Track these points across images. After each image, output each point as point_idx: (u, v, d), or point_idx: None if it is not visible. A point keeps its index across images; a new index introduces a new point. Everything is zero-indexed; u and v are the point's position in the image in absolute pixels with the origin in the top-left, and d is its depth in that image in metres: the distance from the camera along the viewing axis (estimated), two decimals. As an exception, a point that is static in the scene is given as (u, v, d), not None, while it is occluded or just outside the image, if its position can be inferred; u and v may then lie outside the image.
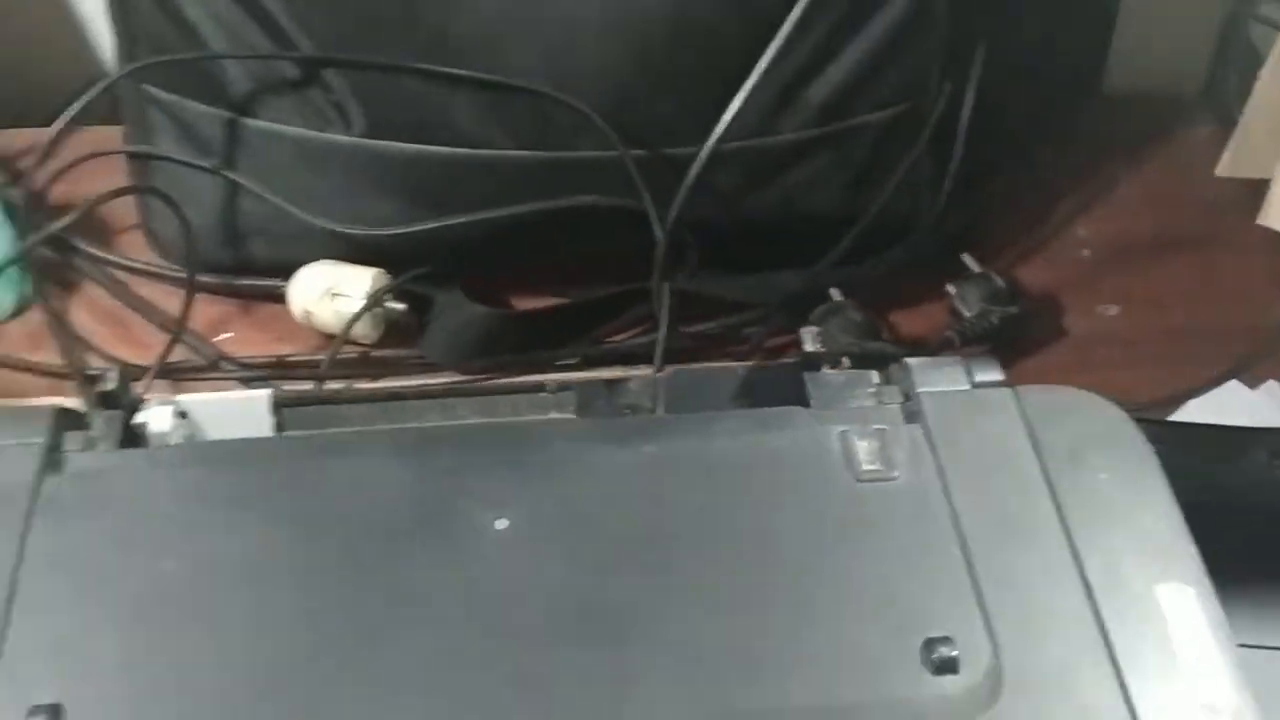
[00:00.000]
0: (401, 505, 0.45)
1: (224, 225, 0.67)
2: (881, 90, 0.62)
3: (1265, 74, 0.65)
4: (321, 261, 0.66)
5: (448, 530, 0.45)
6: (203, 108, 0.65)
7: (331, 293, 0.65)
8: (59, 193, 0.71)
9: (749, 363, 0.53)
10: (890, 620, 0.42)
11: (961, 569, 0.43)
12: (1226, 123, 0.70)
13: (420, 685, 0.41)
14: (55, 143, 0.69)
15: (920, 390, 0.49)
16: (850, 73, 0.61)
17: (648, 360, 0.62)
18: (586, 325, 0.66)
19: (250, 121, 0.64)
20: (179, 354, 0.65)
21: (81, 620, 0.42)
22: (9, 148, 0.75)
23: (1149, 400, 0.63)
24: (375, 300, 0.64)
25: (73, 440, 0.47)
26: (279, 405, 0.51)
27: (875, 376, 0.51)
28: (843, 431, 0.47)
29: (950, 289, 0.66)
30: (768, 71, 0.58)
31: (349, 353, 0.66)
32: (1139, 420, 0.49)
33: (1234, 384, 0.64)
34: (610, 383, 0.52)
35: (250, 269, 0.68)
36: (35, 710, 0.39)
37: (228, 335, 0.67)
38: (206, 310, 0.67)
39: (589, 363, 0.64)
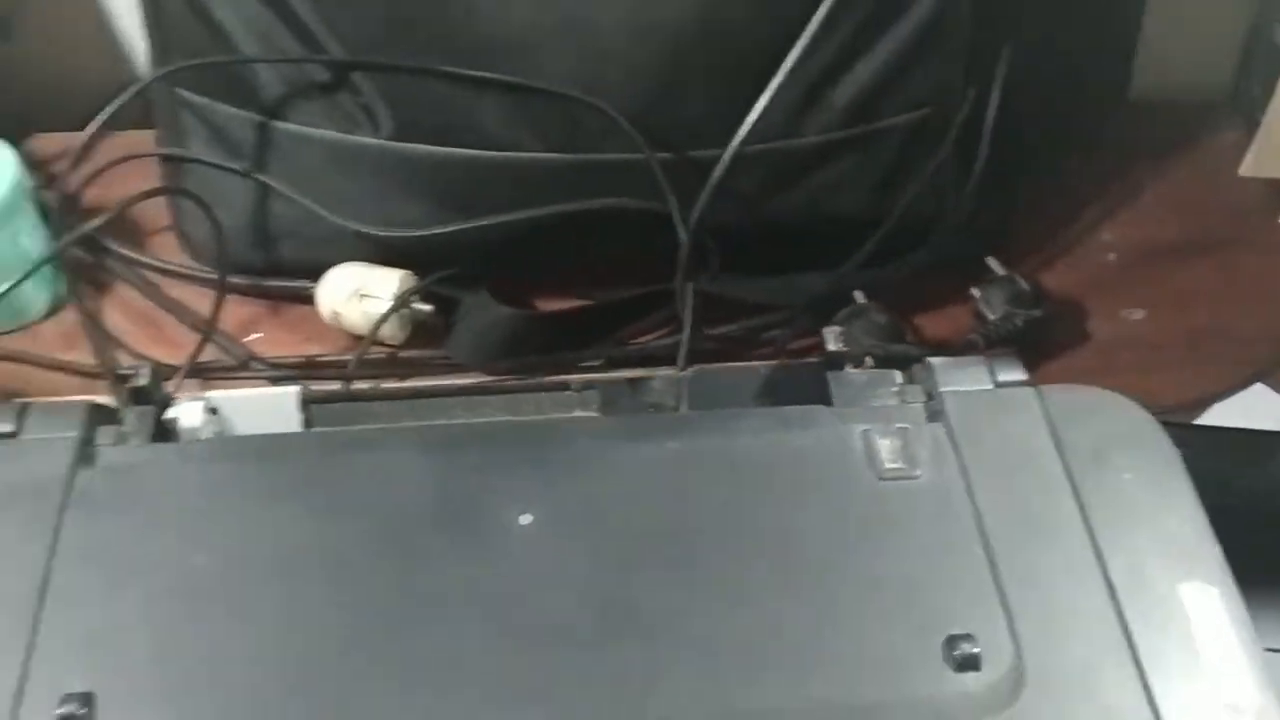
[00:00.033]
0: (428, 500, 0.46)
1: (254, 227, 0.68)
2: (906, 93, 0.62)
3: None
4: (350, 263, 0.67)
5: (473, 525, 0.45)
6: (234, 111, 0.65)
7: (359, 294, 0.66)
8: (92, 196, 0.72)
9: (772, 362, 0.53)
10: (912, 618, 0.43)
11: (984, 567, 0.44)
12: (1252, 128, 0.70)
13: (444, 678, 0.41)
14: (88, 146, 0.70)
15: (943, 389, 0.49)
16: (875, 75, 0.61)
17: (671, 362, 0.62)
18: (611, 327, 0.66)
19: (280, 124, 0.65)
20: (209, 354, 0.66)
21: (113, 610, 0.43)
22: (43, 151, 0.76)
23: (1174, 403, 0.62)
24: (402, 301, 0.65)
25: (105, 435, 0.48)
26: (307, 402, 0.52)
27: (898, 376, 0.51)
28: (865, 430, 0.48)
29: (975, 292, 0.66)
30: (792, 74, 0.59)
31: (376, 353, 0.66)
32: (1164, 424, 0.49)
33: (1259, 387, 0.64)
34: (634, 381, 0.53)
35: (280, 270, 0.69)
36: (68, 698, 0.40)
37: (257, 336, 0.68)
38: (237, 311, 0.68)
39: (613, 364, 0.64)
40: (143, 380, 0.50)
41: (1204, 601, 0.43)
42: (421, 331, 0.67)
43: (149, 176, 0.70)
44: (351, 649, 0.42)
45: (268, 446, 0.49)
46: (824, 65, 0.60)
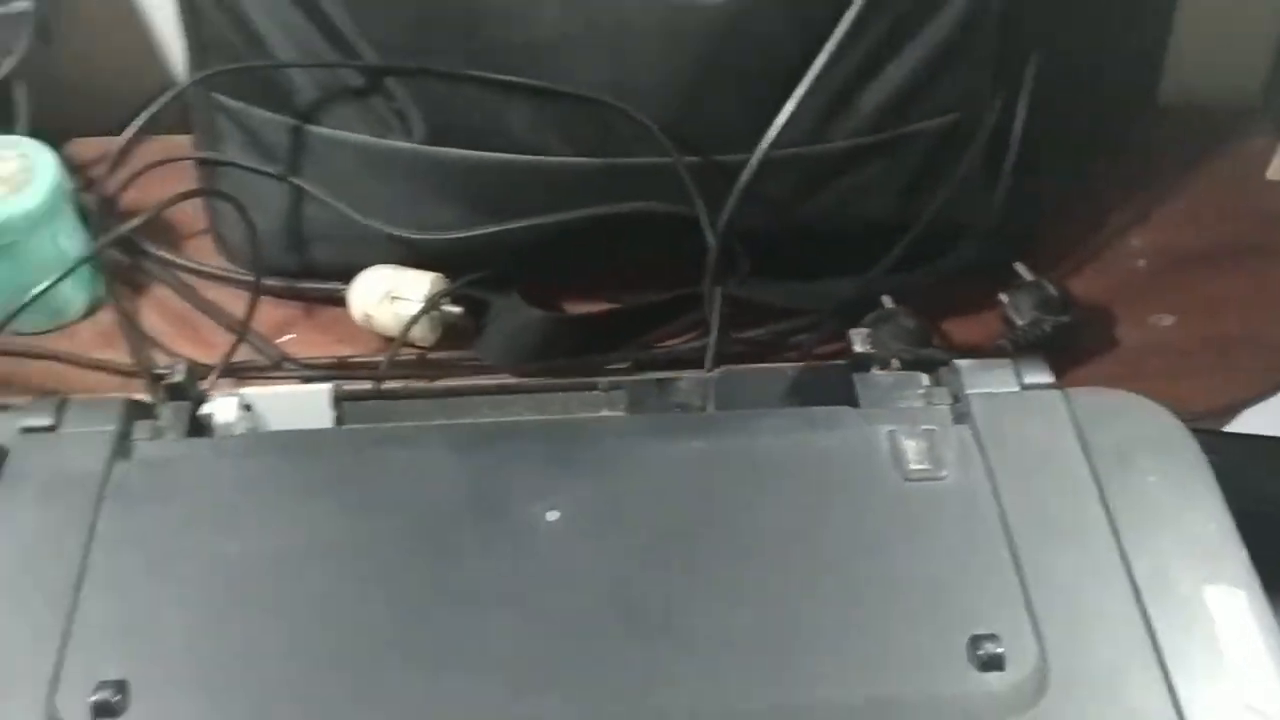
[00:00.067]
0: (456, 496, 0.47)
1: (288, 230, 0.69)
2: (935, 98, 0.62)
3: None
4: (381, 265, 0.68)
5: (500, 521, 0.46)
6: (269, 115, 0.67)
7: (391, 296, 0.66)
8: (130, 199, 0.73)
9: (798, 363, 0.53)
10: (937, 617, 0.43)
11: (1009, 568, 0.44)
12: (1283, 133, 0.70)
13: (470, 669, 0.42)
14: (126, 150, 0.71)
15: (969, 391, 0.49)
16: (904, 80, 0.61)
17: (698, 366, 0.62)
18: (639, 330, 0.67)
19: (315, 129, 0.66)
20: (243, 354, 0.67)
21: (148, 600, 0.44)
22: (82, 155, 0.77)
23: (1203, 410, 0.62)
24: (432, 304, 0.66)
25: (142, 429, 0.49)
26: (339, 400, 0.52)
27: (924, 378, 0.51)
28: (891, 431, 0.48)
29: (1003, 297, 0.66)
30: (820, 79, 0.59)
31: (407, 354, 0.67)
32: (1193, 430, 0.49)
33: (1289, 394, 0.64)
34: (661, 382, 0.53)
35: (313, 273, 0.70)
36: (102, 685, 0.41)
37: (290, 337, 0.69)
38: (270, 312, 0.69)
39: (640, 367, 0.64)
40: (178, 377, 0.50)
41: (1229, 604, 0.43)
42: (451, 333, 0.68)
43: (186, 180, 0.71)
44: (380, 640, 0.42)
45: (300, 442, 0.50)
46: (852, 70, 0.61)
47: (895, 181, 0.65)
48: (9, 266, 0.66)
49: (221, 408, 0.50)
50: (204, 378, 0.59)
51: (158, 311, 0.71)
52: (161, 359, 0.67)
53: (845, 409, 0.50)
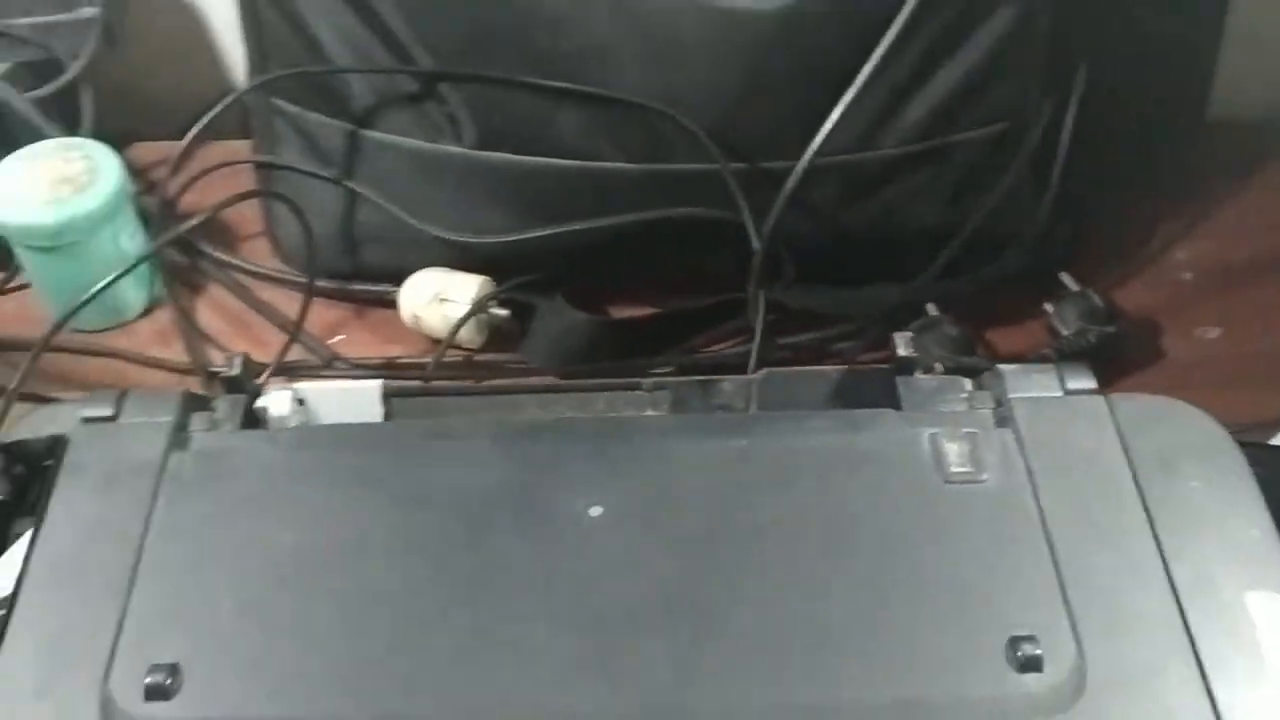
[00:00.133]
0: (501, 490, 0.47)
1: (342, 233, 0.70)
2: (983, 107, 0.63)
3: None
4: (431, 268, 0.69)
5: (544, 516, 0.46)
6: (326, 120, 0.68)
7: (439, 298, 0.68)
8: (189, 201, 0.75)
9: (842, 366, 0.54)
10: (976, 618, 0.43)
11: (1048, 570, 0.44)
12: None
13: (513, 660, 0.42)
14: (186, 154, 0.73)
15: (1012, 396, 0.49)
16: (951, 89, 0.62)
17: (741, 370, 0.63)
18: (683, 334, 0.67)
19: (369, 133, 0.67)
20: (295, 353, 0.68)
21: (201, 587, 0.45)
22: (144, 159, 0.79)
23: (1249, 422, 0.62)
24: (480, 306, 0.67)
25: (198, 421, 0.50)
26: (388, 396, 0.53)
27: (967, 383, 0.51)
28: (933, 434, 0.48)
29: (1048, 307, 0.67)
30: (869, 86, 0.59)
31: (454, 356, 0.68)
32: (1239, 443, 0.48)
33: (1338, 409, 0.63)
34: (704, 383, 0.53)
35: (364, 275, 0.71)
36: (156, 668, 0.42)
37: (340, 337, 0.71)
38: (323, 313, 0.71)
39: (684, 372, 0.65)
40: (235, 371, 0.52)
41: (1271, 610, 0.43)
42: (498, 336, 0.69)
43: (244, 184, 0.73)
44: (425, 629, 0.43)
45: (351, 435, 0.51)
46: (901, 78, 0.61)
47: (942, 190, 0.65)
48: (71, 265, 0.68)
49: (276, 401, 0.52)
50: (258, 375, 0.60)
51: (214, 311, 0.72)
52: (217, 357, 0.69)
53: (888, 411, 0.50)
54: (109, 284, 0.63)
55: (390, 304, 0.70)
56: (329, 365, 0.68)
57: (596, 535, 0.46)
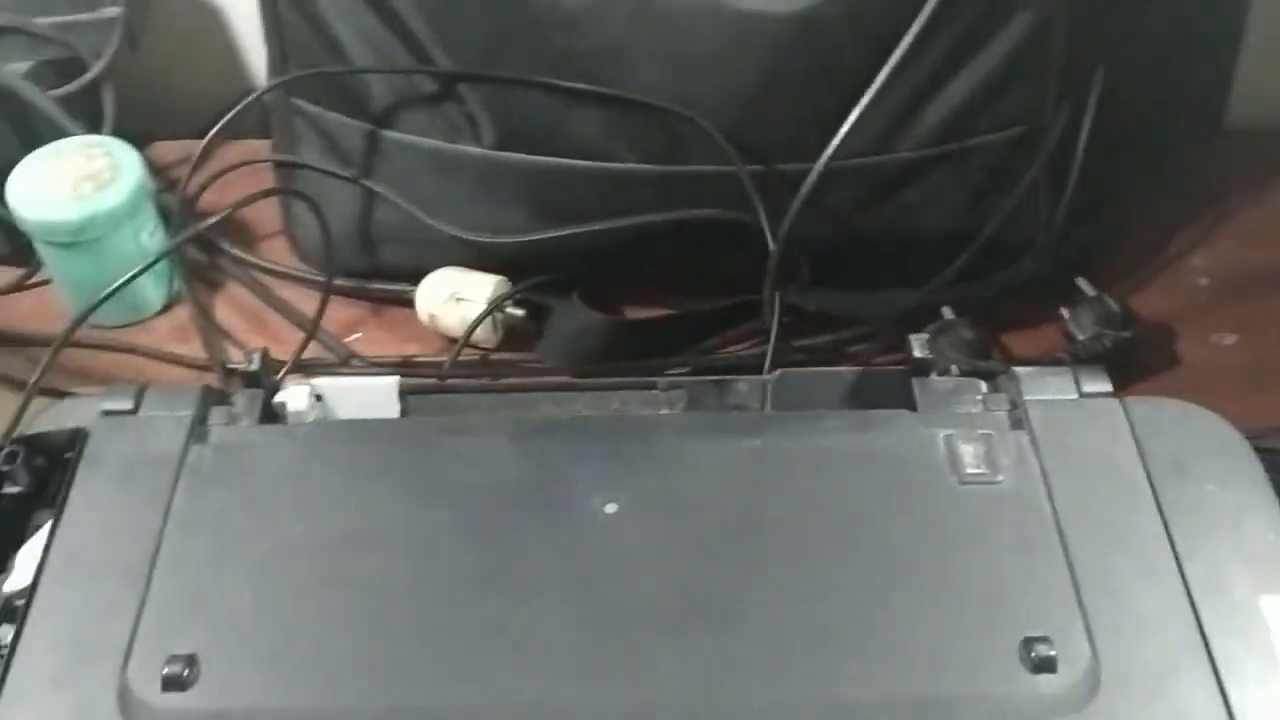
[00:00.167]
0: (518, 486, 0.48)
1: (360, 232, 0.71)
2: (1000, 111, 0.63)
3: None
4: (448, 268, 0.69)
5: (561, 511, 0.47)
6: (345, 120, 0.68)
7: (456, 297, 0.68)
8: (208, 200, 0.75)
9: (857, 367, 0.54)
10: (990, 618, 0.43)
11: (1062, 571, 0.44)
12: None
13: (528, 654, 0.43)
14: (206, 153, 0.73)
15: (1027, 398, 0.49)
16: (969, 93, 0.62)
17: (756, 372, 0.63)
18: (698, 335, 0.68)
19: (388, 133, 0.68)
20: (313, 351, 0.68)
21: (219, 579, 0.45)
22: (164, 157, 0.80)
23: (1264, 429, 0.61)
24: (495, 306, 0.67)
25: (217, 415, 0.51)
26: (405, 393, 0.54)
27: (983, 385, 0.51)
28: (948, 435, 0.48)
29: (1064, 312, 0.66)
30: (886, 90, 0.60)
31: (470, 355, 0.68)
32: (1256, 449, 0.49)
33: (1355, 416, 0.63)
34: (720, 383, 0.54)
35: (382, 274, 0.71)
36: (173, 659, 0.42)
37: (357, 336, 0.71)
38: (340, 312, 0.71)
39: (699, 373, 0.65)
40: (254, 366, 0.52)
41: (1286, 613, 0.43)
42: (513, 336, 0.69)
43: (264, 183, 0.73)
44: (441, 623, 0.44)
45: (368, 431, 0.51)
46: (918, 82, 0.61)
47: (958, 194, 0.65)
48: (92, 261, 0.69)
49: (294, 396, 0.52)
50: (276, 371, 0.60)
51: (232, 308, 0.73)
52: (234, 354, 0.69)
53: (903, 412, 0.50)
54: (129, 280, 0.64)
55: (407, 303, 0.70)
56: (346, 363, 0.69)
57: (612, 532, 0.46)
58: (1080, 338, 0.65)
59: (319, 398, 0.53)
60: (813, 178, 0.61)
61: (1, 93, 0.74)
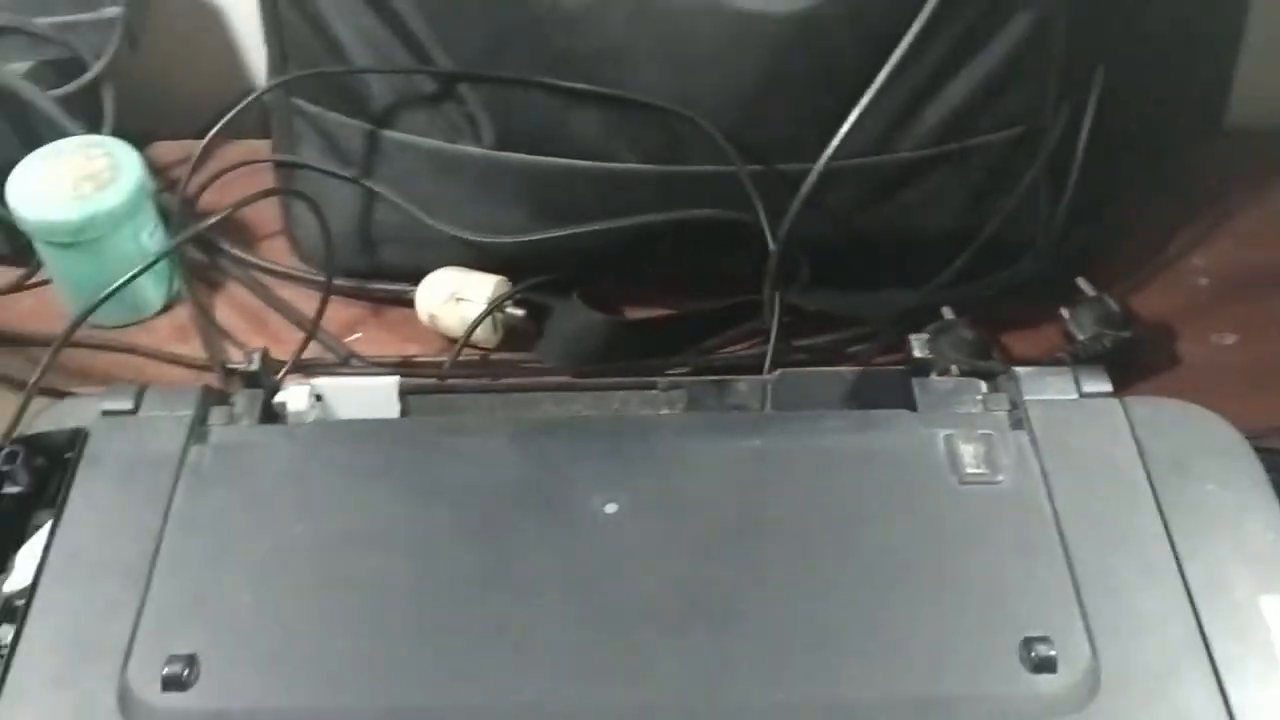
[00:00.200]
0: (518, 486, 0.48)
1: (360, 232, 0.71)
2: (1000, 111, 0.63)
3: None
4: (448, 267, 0.69)
5: (561, 511, 0.47)
6: (345, 120, 0.68)
7: (456, 297, 0.68)
8: (208, 200, 0.75)
9: (857, 367, 0.54)
10: (990, 618, 0.43)
11: (1062, 571, 0.44)
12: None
13: (528, 654, 0.43)
14: (206, 153, 0.73)
15: (1027, 398, 0.49)
16: (969, 93, 0.62)
17: (756, 372, 0.63)
18: (698, 335, 0.68)
19: (388, 133, 0.68)
20: (313, 351, 0.68)
21: (219, 579, 0.45)
22: (164, 157, 0.80)
23: (1264, 429, 0.61)
24: (495, 306, 0.67)
25: (217, 415, 0.51)
26: (405, 393, 0.54)
27: (982, 385, 0.51)
28: (948, 435, 0.48)
29: (1064, 312, 0.66)
30: (886, 90, 0.60)
31: (470, 355, 0.68)
32: (1255, 449, 0.49)
33: (1354, 416, 0.63)
34: (719, 383, 0.54)
35: (382, 274, 0.71)
36: (173, 659, 0.42)
37: (357, 336, 0.71)
38: (340, 312, 0.71)
39: (698, 373, 0.65)
40: (254, 366, 0.52)
41: (1286, 613, 0.43)
42: (513, 336, 0.69)
43: (264, 184, 0.73)
44: (441, 623, 0.44)
45: (368, 431, 0.51)
46: (918, 82, 0.61)
47: (958, 194, 0.65)
48: (92, 261, 0.69)
49: (294, 396, 0.52)
50: (277, 371, 0.60)
51: (232, 308, 0.73)
52: (234, 354, 0.69)
53: (903, 412, 0.50)
54: (129, 280, 0.64)
55: (407, 303, 0.70)
56: (346, 363, 0.69)
57: (612, 532, 0.46)
58: (1080, 338, 0.66)
59: (319, 398, 0.53)
60: (812, 178, 0.61)
61: (2, 92, 0.74)
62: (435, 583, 0.44)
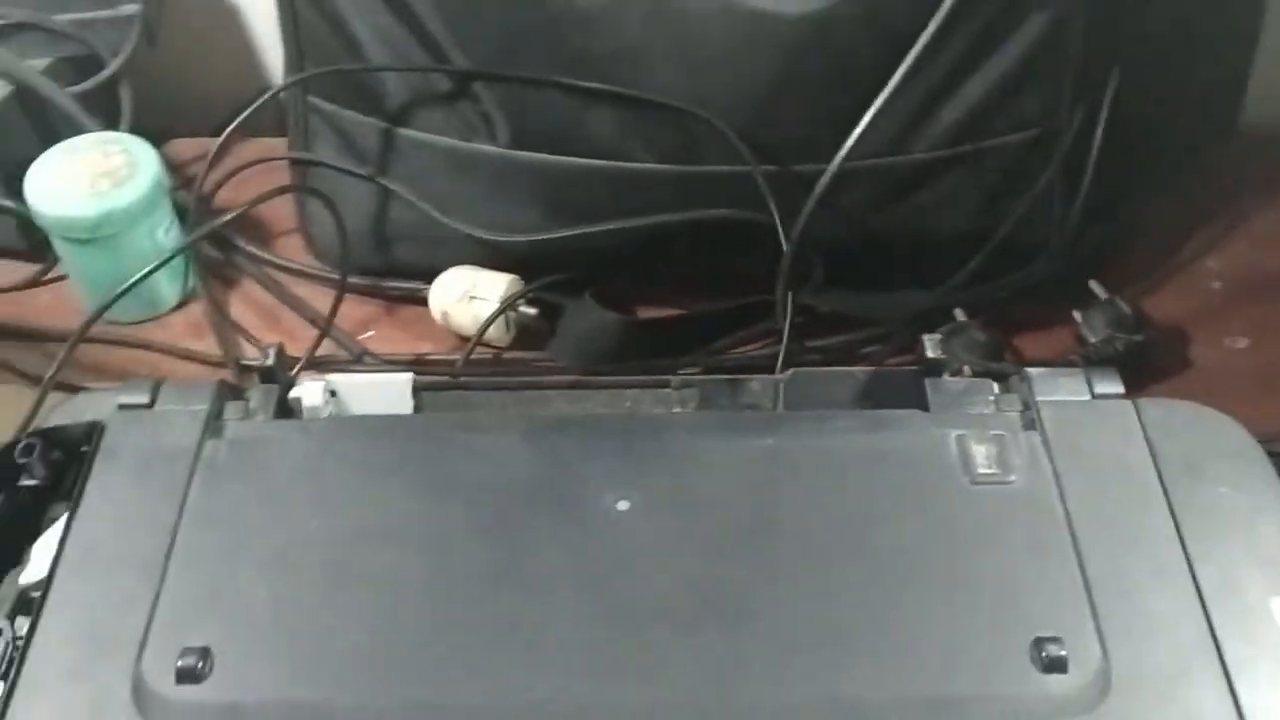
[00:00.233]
0: (530, 482, 0.48)
1: (374, 230, 0.71)
2: (1015, 113, 0.63)
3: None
4: (462, 266, 0.69)
5: (573, 508, 0.47)
6: (361, 118, 0.69)
7: (469, 296, 0.68)
8: (224, 197, 0.76)
9: (869, 367, 0.54)
10: (1001, 618, 0.43)
11: (1074, 571, 0.44)
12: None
13: (539, 651, 0.43)
14: (222, 150, 0.73)
15: (1040, 399, 0.49)
16: (984, 94, 0.62)
17: (769, 372, 0.63)
18: (711, 335, 0.68)
19: (404, 131, 0.68)
20: (326, 349, 0.68)
21: (233, 572, 0.46)
22: (181, 155, 0.80)
23: (1277, 433, 0.61)
24: (508, 304, 0.67)
25: (233, 410, 0.51)
26: (419, 389, 0.54)
27: (995, 386, 0.52)
28: (960, 435, 0.49)
29: (1076, 314, 0.66)
30: (901, 91, 0.60)
31: (483, 354, 0.68)
32: (1268, 453, 0.49)
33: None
34: (732, 382, 0.54)
35: (396, 272, 0.72)
36: (187, 651, 0.43)
37: (371, 333, 0.71)
38: (354, 309, 0.71)
39: (711, 373, 0.65)
40: (269, 361, 0.52)
41: (1298, 616, 0.43)
42: (526, 335, 0.69)
43: (279, 181, 0.73)
44: (453, 618, 0.44)
45: (382, 427, 0.52)
46: (933, 83, 0.61)
47: (973, 195, 0.65)
48: (108, 257, 0.69)
49: (309, 392, 0.52)
50: (291, 368, 0.61)
51: (246, 305, 0.73)
52: (248, 351, 0.70)
53: (915, 412, 0.51)
54: (144, 276, 0.64)
55: (421, 301, 0.70)
56: (359, 360, 0.69)
57: (624, 529, 0.46)
58: (1092, 340, 0.65)
59: (333, 393, 0.53)
60: (826, 178, 0.61)
61: (20, 89, 0.74)
62: (448, 578, 0.45)
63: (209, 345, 0.70)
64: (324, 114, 0.70)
